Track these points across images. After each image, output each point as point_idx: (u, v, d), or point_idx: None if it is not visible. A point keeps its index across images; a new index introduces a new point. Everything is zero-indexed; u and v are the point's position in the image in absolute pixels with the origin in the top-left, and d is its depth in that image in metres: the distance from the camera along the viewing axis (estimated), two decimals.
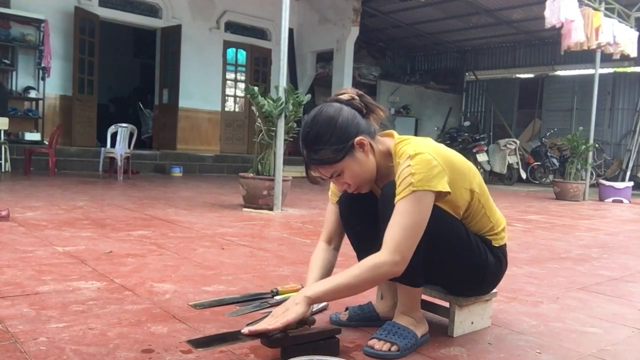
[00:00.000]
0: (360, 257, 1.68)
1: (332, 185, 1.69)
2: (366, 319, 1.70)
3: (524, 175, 11.85)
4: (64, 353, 1.33)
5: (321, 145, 1.44)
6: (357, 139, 1.45)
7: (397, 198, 1.40)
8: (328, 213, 1.71)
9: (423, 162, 1.39)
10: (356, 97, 1.51)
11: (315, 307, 1.78)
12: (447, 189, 1.41)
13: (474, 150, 11.17)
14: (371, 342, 1.46)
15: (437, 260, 1.50)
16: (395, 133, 1.56)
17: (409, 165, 1.39)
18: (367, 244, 1.62)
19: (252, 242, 3.09)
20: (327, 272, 1.64)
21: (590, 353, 1.56)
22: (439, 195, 1.41)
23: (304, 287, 1.50)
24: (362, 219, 1.61)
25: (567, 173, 8.12)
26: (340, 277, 1.40)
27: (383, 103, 11.61)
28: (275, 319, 1.35)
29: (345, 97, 1.51)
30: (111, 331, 1.50)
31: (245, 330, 1.34)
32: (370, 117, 1.52)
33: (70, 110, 9.16)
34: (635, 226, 5.11)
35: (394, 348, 1.43)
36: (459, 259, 1.53)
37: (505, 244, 1.66)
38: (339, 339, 1.45)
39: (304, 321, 1.39)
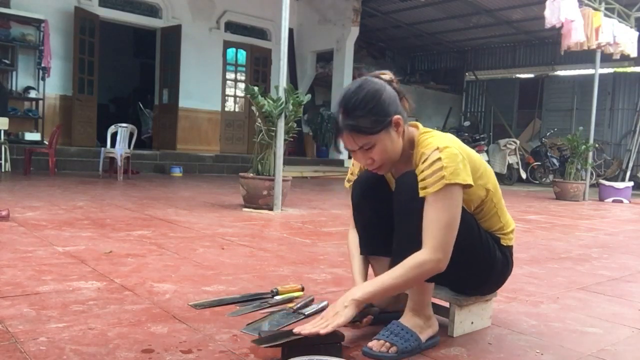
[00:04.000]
0: (363, 243, 1.69)
1: (350, 169, 1.73)
2: (382, 312, 1.71)
3: (524, 175, 11.86)
4: (64, 353, 1.33)
5: (361, 112, 1.42)
6: (396, 117, 1.46)
7: (427, 190, 1.40)
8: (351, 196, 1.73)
9: (452, 155, 1.40)
10: (395, 82, 1.53)
11: (315, 307, 1.78)
12: (472, 182, 1.43)
13: (474, 150, 11.17)
14: (371, 343, 1.45)
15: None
16: (420, 125, 1.58)
17: (440, 159, 1.40)
18: (373, 232, 1.64)
19: (252, 242, 3.09)
20: (366, 260, 1.70)
21: (590, 353, 1.56)
22: (464, 187, 1.43)
23: (352, 288, 1.48)
24: (373, 205, 1.63)
25: (567, 173, 8.12)
26: (385, 278, 1.42)
27: None
28: (327, 322, 1.36)
29: (386, 77, 1.52)
30: (111, 331, 1.50)
31: (296, 330, 1.35)
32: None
33: (70, 110, 9.16)
34: (635, 226, 5.11)
35: (392, 350, 1.43)
36: (470, 251, 1.53)
37: (512, 246, 1.67)
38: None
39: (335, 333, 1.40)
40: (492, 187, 1.57)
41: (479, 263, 1.57)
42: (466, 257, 1.54)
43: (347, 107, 1.44)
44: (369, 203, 1.64)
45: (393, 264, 1.48)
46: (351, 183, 1.71)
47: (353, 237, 1.73)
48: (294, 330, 1.35)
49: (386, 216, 1.58)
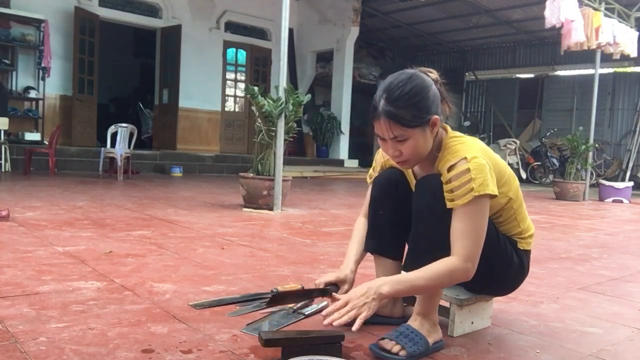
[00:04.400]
0: (371, 240, 1.69)
1: (373, 165, 1.75)
2: None
3: (524, 175, 11.86)
4: (64, 353, 1.33)
5: (406, 103, 1.41)
6: (435, 117, 1.45)
7: (456, 202, 1.41)
8: (369, 190, 1.74)
9: (480, 166, 1.41)
10: (439, 81, 1.53)
11: (315, 307, 1.78)
12: (497, 193, 1.44)
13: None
14: (382, 342, 1.44)
15: None
16: (449, 127, 1.57)
17: (468, 170, 1.40)
18: (385, 230, 1.65)
19: (252, 242, 3.09)
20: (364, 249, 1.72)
21: (590, 353, 1.56)
22: (491, 197, 1.44)
23: (378, 279, 1.46)
24: (391, 204, 1.63)
25: (567, 173, 8.12)
26: (414, 277, 1.41)
27: None
28: (354, 312, 1.34)
29: (433, 76, 1.52)
30: (111, 331, 1.50)
31: (327, 320, 1.34)
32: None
33: (70, 110, 9.17)
34: (635, 226, 5.11)
35: (402, 353, 1.41)
36: (486, 254, 1.53)
37: (529, 250, 1.67)
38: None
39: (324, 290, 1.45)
40: (513, 194, 1.57)
41: (495, 266, 1.57)
42: (483, 260, 1.54)
43: (392, 95, 1.42)
44: (388, 202, 1.64)
45: (407, 263, 1.50)
46: (372, 179, 1.72)
47: (360, 222, 1.75)
48: (325, 322, 1.34)
49: (401, 218, 1.59)
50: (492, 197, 1.44)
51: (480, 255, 1.52)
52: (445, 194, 1.43)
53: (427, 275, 1.40)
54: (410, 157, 1.48)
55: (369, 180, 1.76)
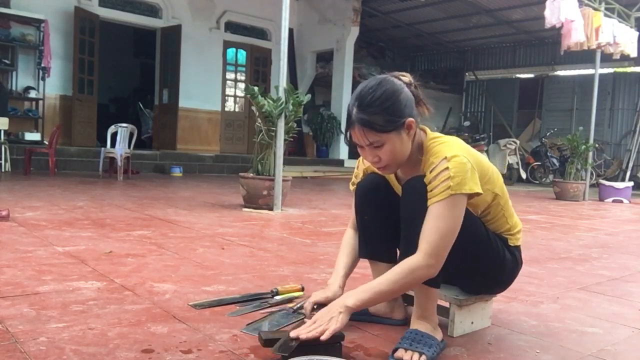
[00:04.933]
0: (362, 244, 1.70)
1: (355, 172, 1.74)
2: (357, 313, 1.71)
3: (524, 175, 11.85)
4: (64, 353, 1.33)
5: (378, 108, 1.42)
6: (410, 119, 1.45)
7: (432, 200, 1.41)
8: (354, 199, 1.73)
9: (460, 165, 1.40)
10: (413, 84, 1.53)
11: (315, 307, 1.78)
12: (480, 191, 1.43)
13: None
14: (398, 354, 1.41)
15: (457, 256, 1.49)
16: (428, 129, 1.57)
17: (447, 168, 1.40)
18: (371, 233, 1.64)
19: (252, 242, 3.09)
20: (356, 258, 1.72)
21: (590, 353, 1.56)
22: (470, 196, 1.43)
23: (344, 294, 1.48)
24: (374, 208, 1.63)
25: (567, 173, 8.12)
26: (378, 283, 1.41)
27: None
28: (322, 327, 1.35)
29: (405, 79, 1.52)
30: (111, 331, 1.50)
31: (293, 334, 1.34)
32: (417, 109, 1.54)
33: (70, 110, 9.17)
34: (635, 226, 5.11)
35: (422, 358, 1.39)
36: (478, 252, 1.53)
37: (519, 246, 1.67)
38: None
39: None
40: (499, 191, 1.57)
41: (489, 265, 1.58)
42: (476, 260, 1.55)
43: (363, 102, 1.43)
44: (372, 206, 1.64)
45: None
46: (355, 186, 1.71)
47: (348, 235, 1.75)
48: (291, 334, 1.35)
49: (388, 220, 1.59)
50: (472, 196, 1.43)
51: (473, 256, 1.52)
52: (428, 194, 1.43)
53: (390, 277, 1.40)
54: (390, 162, 1.49)
55: (351, 188, 1.74)
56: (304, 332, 1.35)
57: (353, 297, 1.41)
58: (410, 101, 1.48)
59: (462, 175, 1.39)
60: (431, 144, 1.50)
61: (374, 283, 1.43)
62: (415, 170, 1.52)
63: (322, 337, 1.32)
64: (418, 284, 1.45)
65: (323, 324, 1.37)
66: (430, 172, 1.43)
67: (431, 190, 1.42)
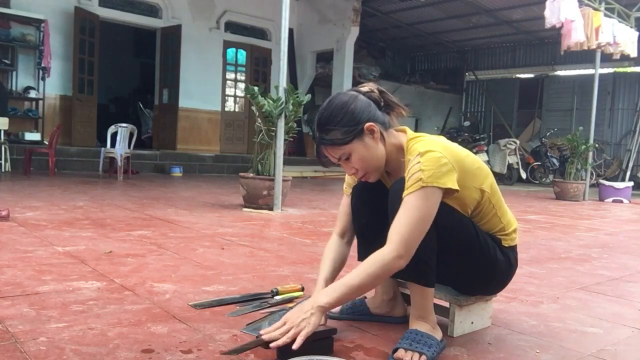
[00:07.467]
0: (360, 249, 1.69)
1: (346, 177, 1.73)
2: (357, 313, 1.74)
3: (524, 175, 11.85)
4: (64, 353, 1.33)
5: (332, 126, 1.48)
6: (368, 124, 1.47)
7: (405, 192, 1.41)
8: (342, 206, 1.74)
9: (433, 159, 1.40)
10: (375, 91, 1.55)
11: None
12: (456, 187, 1.42)
13: (474, 150, 11.17)
14: (398, 354, 1.41)
15: (447, 256, 1.50)
16: (408, 130, 1.58)
17: (419, 162, 1.41)
18: (369, 237, 1.64)
19: (252, 242, 3.09)
20: (340, 265, 1.67)
21: (590, 353, 1.56)
22: (447, 192, 1.43)
23: (314, 294, 1.48)
24: (371, 210, 1.63)
25: (567, 173, 8.12)
26: (348, 278, 1.40)
27: None
28: (293, 330, 1.33)
29: (364, 89, 1.55)
30: (111, 331, 1.50)
31: (266, 337, 1.33)
32: (391, 114, 1.57)
33: (70, 110, 9.16)
34: (635, 226, 5.11)
35: (422, 358, 1.39)
36: (468, 254, 1.53)
37: (515, 245, 1.66)
38: (339, 339, 1.45)
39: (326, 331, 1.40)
40: (487, 188, 1.55)
41: (479, 266, 1.56)
42: (465, 261, 1.54)
43: (320, 123, 1.50)
44: (367, 209, 1.64)
45: None
46: (350, 190, 1.71)
47: (331, 242, 1.72)
48: (264, 337, 1.33)
49: (384, 222, 1.59)
50: (449, 191, 1.42)
51: (462, 258, 1.52)
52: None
53: (361, 270, 1.39)
54: (367, 169, 1.52)
55: (347, 192, 1.73)
56: (277, 336, 1.32)
57: (325, 296, 1.40)
58: (366, 107, 1.50)
59: (434, 169, 1.39)
60: (410, 144, 1.51)
61: (345, 279, 1.41)
62: (402, 173, 1.52)
63: (294, 346, 1.29)
64: (388, 275, 1.44)
65: (294, 327, 1.34)
66: (408, 170, 1.44)
67: (406, 182, 1.43)
